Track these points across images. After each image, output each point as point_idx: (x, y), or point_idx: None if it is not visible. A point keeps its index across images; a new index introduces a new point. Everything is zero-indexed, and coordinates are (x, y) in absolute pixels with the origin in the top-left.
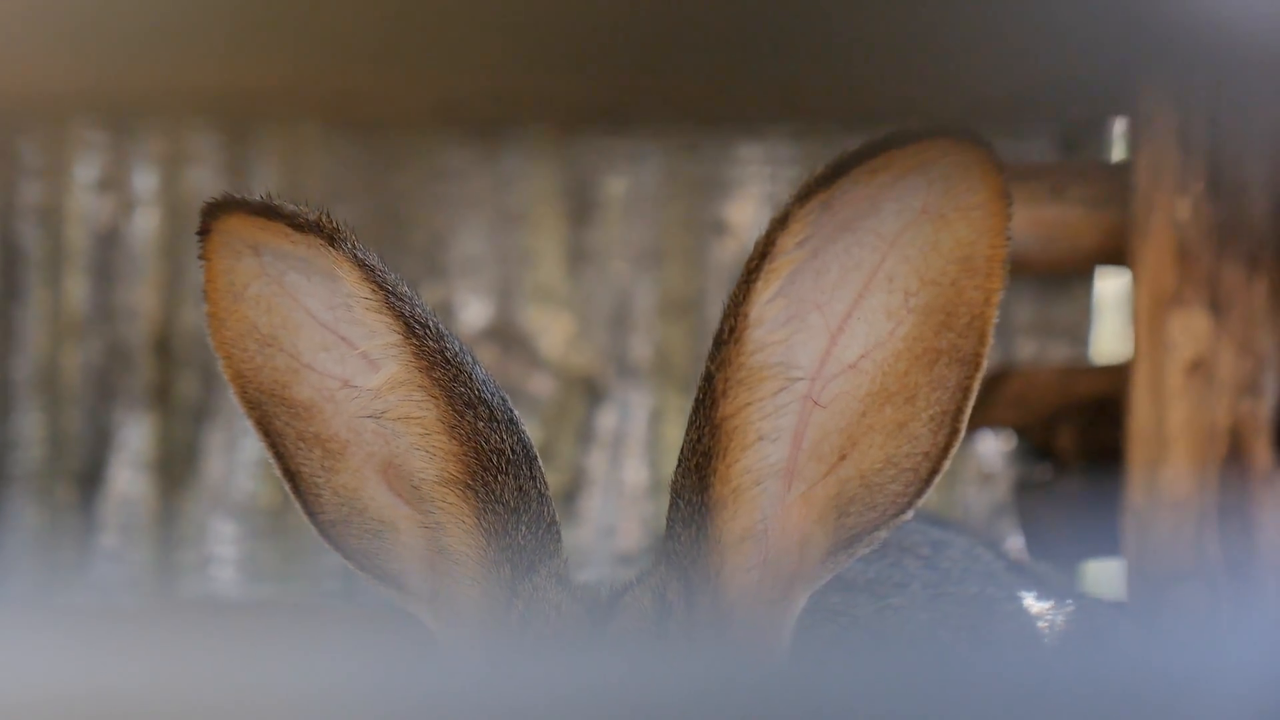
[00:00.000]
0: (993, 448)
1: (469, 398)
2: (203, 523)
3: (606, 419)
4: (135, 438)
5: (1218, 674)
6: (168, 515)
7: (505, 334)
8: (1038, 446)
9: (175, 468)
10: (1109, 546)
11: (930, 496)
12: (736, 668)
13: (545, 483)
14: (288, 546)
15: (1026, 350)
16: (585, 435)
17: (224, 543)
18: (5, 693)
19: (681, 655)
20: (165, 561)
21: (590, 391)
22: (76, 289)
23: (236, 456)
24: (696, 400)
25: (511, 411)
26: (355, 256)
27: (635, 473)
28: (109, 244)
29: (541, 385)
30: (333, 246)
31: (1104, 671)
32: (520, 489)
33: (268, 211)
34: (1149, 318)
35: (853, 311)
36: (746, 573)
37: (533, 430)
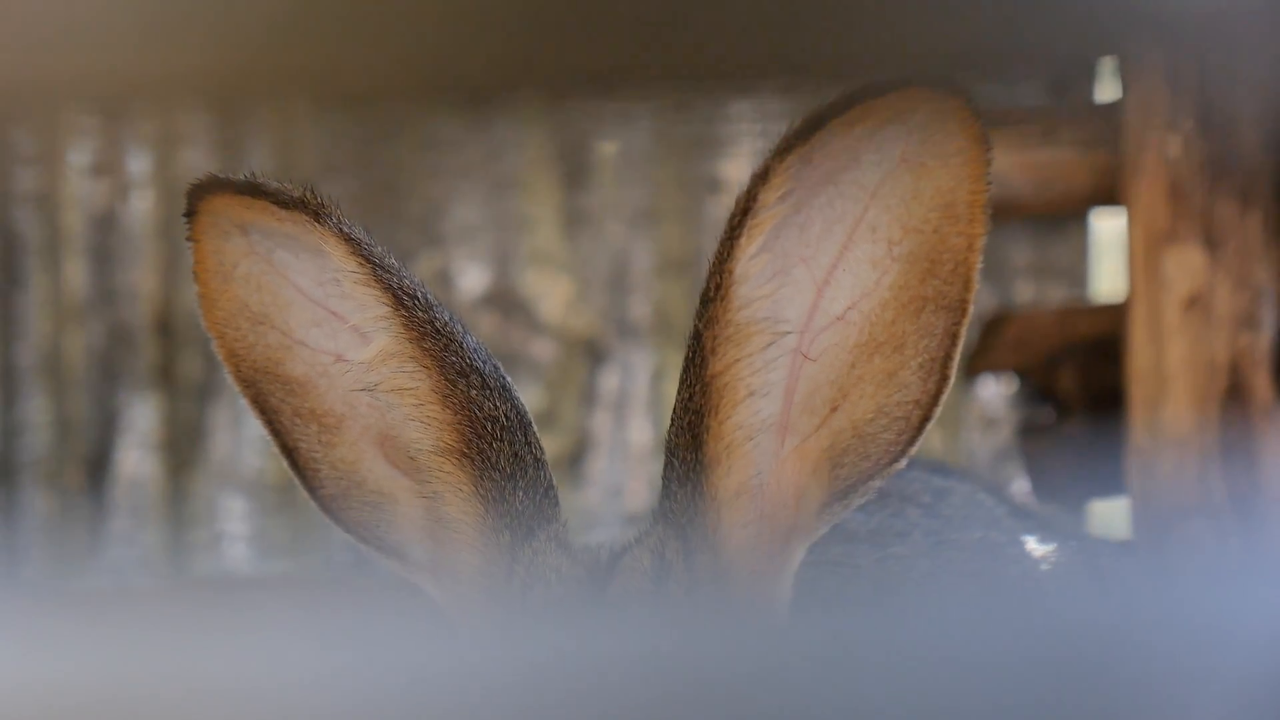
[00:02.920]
0: (994, 392)
1: (461, 367)
2: (212, 500)
3: (609, 380)
4: (141, 418)
5: (1228, 620)
6: (177, 494)
7: (505, 300)
8: (1039, 389)
9: (182, 447)
10: (1114, 486)
11: (934, 443)
12: (737, 631)
13: (541, 448)
14: (297, 521)
15: (1025, 293)
16: (588, 397)
17: (234, 520)
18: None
19: (682, 620)
20: (176, 541)
21: (591, 353)
22: (76, 273)
23: (242, 433)
24: (686, 359)
25: (504, 378)
26: (341, 231)
27: (640, 432)
28: (106, 227)
29: (543, 349)
30: (318, 222)
31: (1111, 622)
32: (516, 455)
33: (253, 190)
34: (1144, 256)
35: (838, 263)
36: (743, 528)
37: (536, 394)
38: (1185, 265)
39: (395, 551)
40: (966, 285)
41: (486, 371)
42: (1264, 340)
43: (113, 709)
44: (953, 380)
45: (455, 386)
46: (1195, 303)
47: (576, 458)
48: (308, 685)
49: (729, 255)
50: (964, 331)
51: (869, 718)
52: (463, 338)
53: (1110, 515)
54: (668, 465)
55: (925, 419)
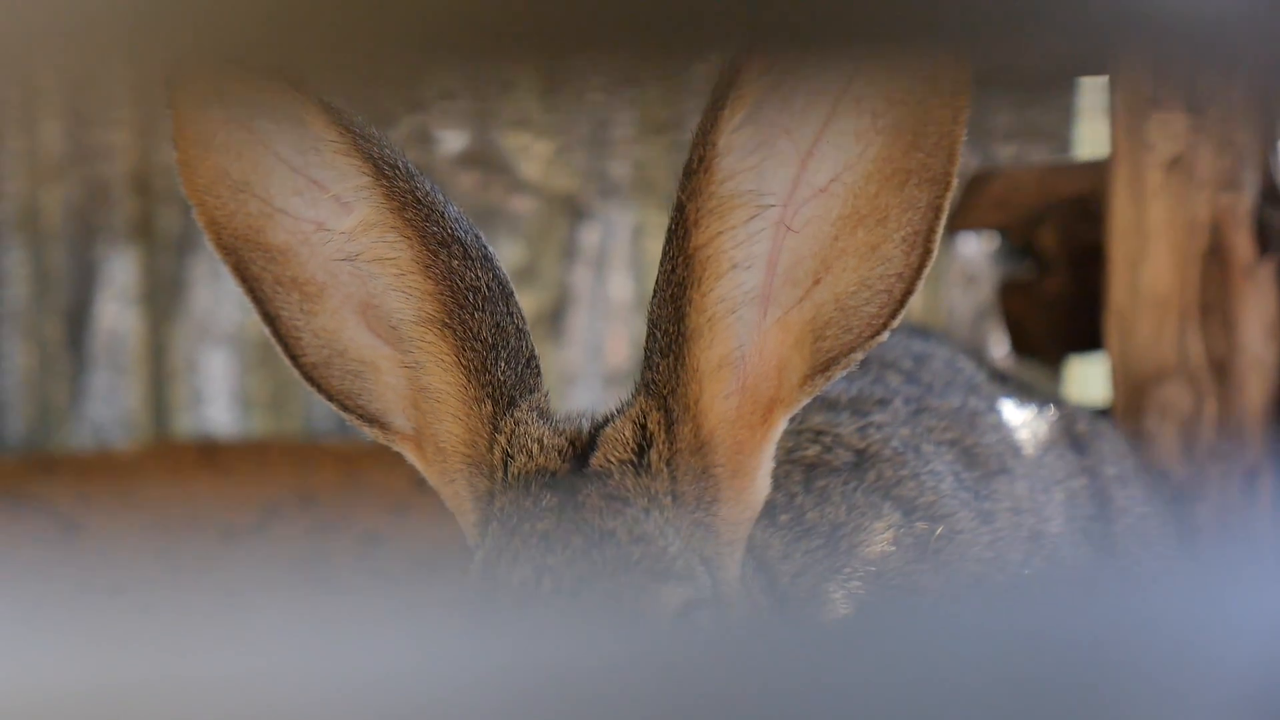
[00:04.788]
0: (976, 249)
1: (442, 237)
2: (192, 356)
3: (590, 236)
4: (120, 272)
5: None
6: (157, 349)
7: (484, 158)
8: (1020, 246)
9: (162, 299)
10: (1092, 343)
11: (914, 300)
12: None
13: (523, 317)
14: (279, 378)
15: (1006, 158)
16: (569, 253)
17: (214, 376)
18: None
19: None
20: (156, 398)
21: (572, 210)
22: (52, 130)
23: (222, 286)
24: (669, 231)
25: (486, 248)
26: (320, 99)
27: (620, 288)
28: (82, 85)
29: (523, 205)
30: (297, 90)
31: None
32: (498, 325)
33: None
34: (1127, 121)
35: (821, 135)
36: (725, 399)
37: (516, 249)
38: (1168, 129)
39: (377, 420)
40: (950, 158)
41: (468, 241)
42: (1245, 201)
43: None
44: (935, 254)
45: (437, 257)
46: (1177, 164)
47: (557, 313)
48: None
49: (712, 127)
50: (947, 205)
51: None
52: (444, 208)
53: (1088, 374)
54: (650, 337)
55: (908, 292)
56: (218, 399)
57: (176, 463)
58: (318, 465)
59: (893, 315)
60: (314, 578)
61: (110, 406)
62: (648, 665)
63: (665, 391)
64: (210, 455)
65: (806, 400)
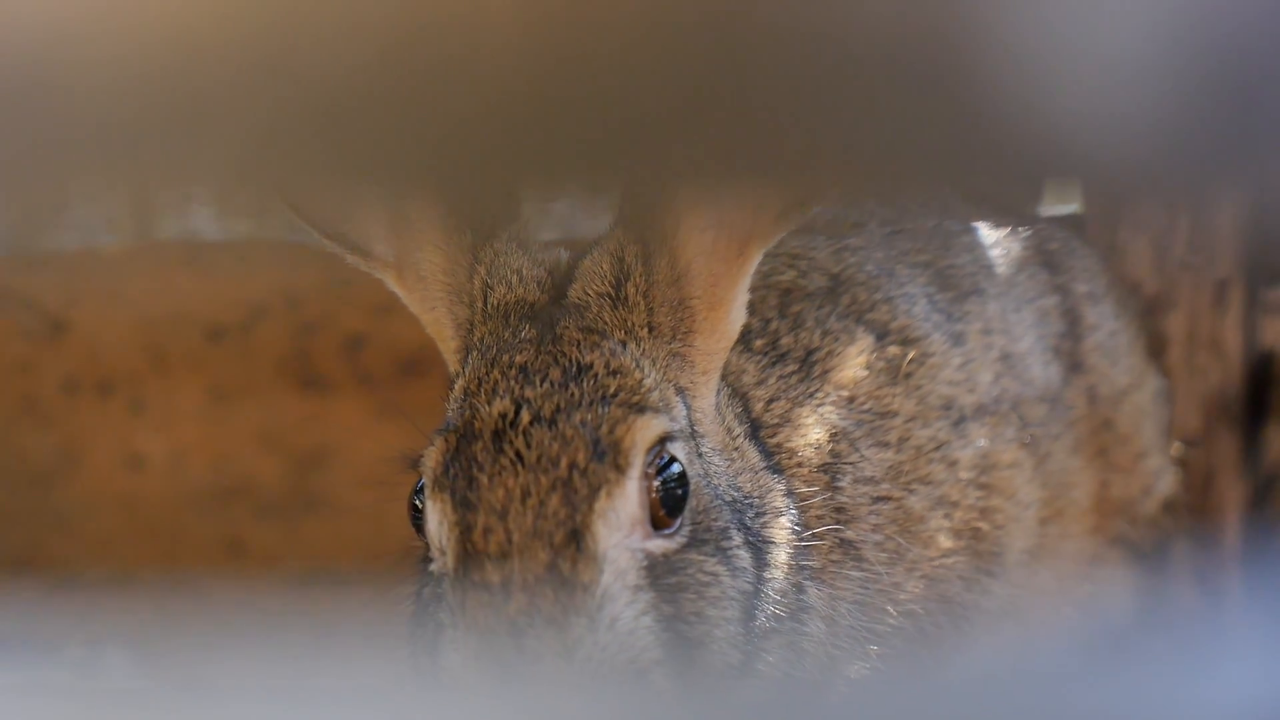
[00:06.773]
0: None
1: None
2: None
3: None
4: None
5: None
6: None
7: None
8: None
9: None
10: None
11: None
12: None
13: None
14: None
15: None
16: None
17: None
18: None
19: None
20: (141, 201)
21: None
22: None
23: None
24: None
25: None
26: None
27: None
28: None
29: None
30: None
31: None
32: None
33: None
34: None
35: None
36: (702, 233)
37: None
38: None
39: (359, 247)
40: None
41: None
42: None
43: None
44: None
45: None
46: None
47: None
48: None
49: None
50: None
51: None
52: None
53: (1063, 194)
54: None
55: None
56: (204, 203)
57: (162, 262)
58: (302, 266)
59: None
60: (298, 377)
61: (95, 209)
62: None
63: (642, 224)
64: (195, 254)
65: (783, 234)
